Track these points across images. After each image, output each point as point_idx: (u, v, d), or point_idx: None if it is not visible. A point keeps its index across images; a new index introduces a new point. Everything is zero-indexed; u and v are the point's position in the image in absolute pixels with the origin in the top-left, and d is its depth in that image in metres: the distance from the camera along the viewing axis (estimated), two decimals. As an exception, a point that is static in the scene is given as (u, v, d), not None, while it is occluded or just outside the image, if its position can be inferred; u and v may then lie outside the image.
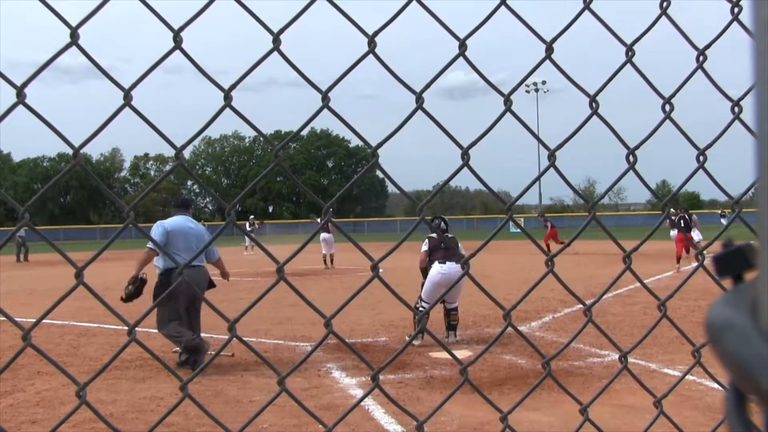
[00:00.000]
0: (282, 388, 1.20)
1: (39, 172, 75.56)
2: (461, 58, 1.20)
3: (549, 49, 1.27)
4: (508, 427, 1.36)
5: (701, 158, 1.41)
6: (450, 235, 7.85)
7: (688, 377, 4.86)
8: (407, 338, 7.62)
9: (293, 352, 7.26)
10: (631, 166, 1.37)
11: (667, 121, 1.37)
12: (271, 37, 1.09)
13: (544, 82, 71.02)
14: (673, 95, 1.37)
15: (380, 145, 1.17)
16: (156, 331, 6.79)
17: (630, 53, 1.33)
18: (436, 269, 7.60)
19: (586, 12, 1.27)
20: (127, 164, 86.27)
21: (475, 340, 7.81)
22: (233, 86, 1.10)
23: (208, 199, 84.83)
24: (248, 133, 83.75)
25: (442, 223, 8.05)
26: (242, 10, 1.08)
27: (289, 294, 1.28)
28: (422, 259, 7.86)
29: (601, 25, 1.30)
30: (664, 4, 1.29)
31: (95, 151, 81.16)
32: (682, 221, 16.87)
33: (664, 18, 1.31)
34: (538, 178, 1.45)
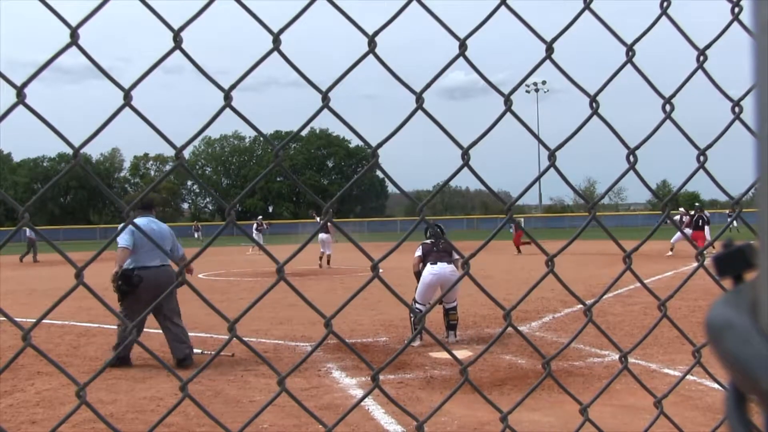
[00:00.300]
0: (282, 388, 1.20)
1: (39, 172, 75.63)
2: (461, 58, 1.20)
3: (549, 49, 1.27)
4: (508, 427, 1.36)
5: (701, 158, 1.41)
6: (443, 241, 7.96)
7: (689, 377, 4.86)
8: (406, 340, 7.63)
9: (293, 352, 7.25)
10: (632, 166, 1.37)
11: (668, 121, 1.37)
12: (271, 37, 1.09)
13: (544, 82, 71.13)
14: (673, 95, 1.37)
15: (380, 145, 1.17)
16: (156, 331, 6.80)
17: (630, 53, 1.33)
18: (428, 270, 7.70)
19: (586, 12, 1.27)
20: (127, 164, 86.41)
21: (475, 340, 7.81)
22: (233, 86, 1.10)
23: (208, 199, 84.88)
24: (248, 133, 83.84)
25: (438, 230, 8.15)
26: (242, 10, 1.08)
27: (289, 294, 1.28)
28: (415, 263, 7.98)
29: (601, 25, 1.30)
30: (664, 4, 1.29)
31: (95, 151, 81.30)
32: (700, 221, 18.36)
33: (664, 18, 1.31)
34: (538, 178, 1.45)
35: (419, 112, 1.18)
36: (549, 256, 1.31)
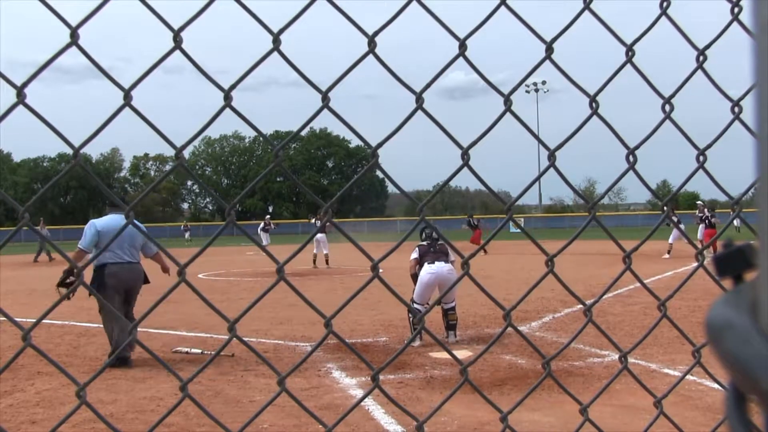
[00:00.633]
0: (282, 388, 1.20)
1: (39, 172, 75.61)
2: (461, 58, 1.20)
3: (549, 49, 1.26)
4: (508, 427, 1.36)
5: (701, 158, 1.41)
6: (440, 242, 7.99)
7: (688, 377, 4.86)
8: (406, 340, 7.63)
9: (293, 352, 7.25)
10: (631, 166, 1.37)
11: (667, 121, 1.37)
12: (271, 37, 1.09)
13: (544, 82, 71.08)
14: (673, 95, 1.37)
15: (380, 145, 1.17)
16: (156, 331, 6.80)
17: (630, 53, 1.33)
18: (426, 270, 7.71)
19: (586, 12, 1.27)
20: (127, 164, 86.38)
21: (475, 340, 7.81)
22: (233, 86, 1.10)
23: (208, 199, 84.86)
24: (248, 133, 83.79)
25: (434, 233, 8.16)
26: (242, 10, 1.08)
27: (289, 294, 1.28)
28: (412, 265, 8.01)
29: (601, 25, 1.30)
30: (664, 4, 1.29)
31: (95, 151, 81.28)
32: (707, 220, 19.58)
33: (664, 18, 1.31)
34: (538, 178, 1.45)
35: (419, 112, 1.18)
36: (549, 256, 1.31)
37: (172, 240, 45.30)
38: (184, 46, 1.05)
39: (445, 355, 6.63)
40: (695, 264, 1.44)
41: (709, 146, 1.41)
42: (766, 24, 0.39)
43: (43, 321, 1.36)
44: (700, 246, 1.55)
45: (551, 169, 1.32)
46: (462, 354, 6.82)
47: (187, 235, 46.07)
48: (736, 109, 1.39)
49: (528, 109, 70.43)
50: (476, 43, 1.20)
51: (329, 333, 1.20)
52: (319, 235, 19.29)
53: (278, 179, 76.00)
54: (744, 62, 0.44)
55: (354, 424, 4.57)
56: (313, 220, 24.14)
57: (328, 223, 1.17)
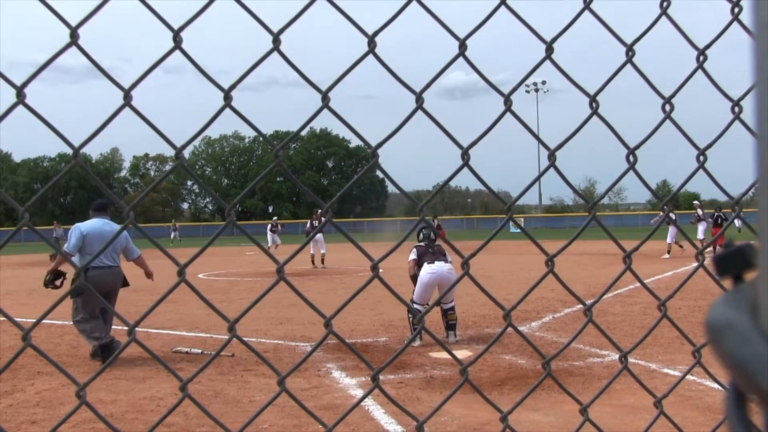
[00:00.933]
0: (282, 388, 1.20)
1: (39, 172, 75.58)
2: (461, 58, 1.20)
3: (549, 49, 1.26)
4: (508, 427, 1.36)
5: (701, 158, 1.41)
6: (437, 243, 8.03)
7: (688, 377, 4.86)
8: (406, 340, 7.63)
9: (293, 352, 7.25)
10: (631, 166, 1.37)
11: (667, 121, 1.37)
12: (271, 37, 1.09)
13: (544, 82, 71.07)
14: (673, 95, 1.37)
15: (380, 145, 1.17)
16: (156, 331, 6.80)
17: (630, 53, 1.33)
18: (426, 269, 7.72)
19: (586, 12, 1.27)
20: (127, 164, 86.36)
21: (475, 340, 7.81)
22: (233, 86, 1.10)
23: (208, 199, 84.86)
24: (248, 133, 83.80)
25: (431, 234, 8.18)
26: (242, 10, 1.08)
27: (289, 294, 1.28)
28: (410, 267, 8.02)
29: (601, 25, 1.30)
30: (664, 4, 1.29)
31: (95, 151, 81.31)
32: (719, 219, 20.14)
33: (664, 18, 1.31)
34: (538, 178, 1.45)
35: (419, 112, 1.18)
36: (549, 256, 1.31)
37: (164, 239, 44.80)
38: (184, 46, 1.05)
39: (445, 355, 6.63)
40: (695, 264, 1.44)
41: (709, 146, 1.41)
42: (766, 24, 0.39)
43: (43, 321, 1.36)
44: (700, 246, 1.55)
45: (551, 169, 1.32)
46: (462, 354, 6.82)
47: (173, 234, 45.32)
48: (736, 109, 1.39)
49: (528, 109, 70.48)
50: (476, 43, 1.20)
51: (329, 333, 1.20)
52: (317, 235, 19.27)
53: (278, 179, 75.99)
54: (744, 62, 0.44)
55: (354, 424, 4.57)
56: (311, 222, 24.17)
57: (325, 223, 1.17)
